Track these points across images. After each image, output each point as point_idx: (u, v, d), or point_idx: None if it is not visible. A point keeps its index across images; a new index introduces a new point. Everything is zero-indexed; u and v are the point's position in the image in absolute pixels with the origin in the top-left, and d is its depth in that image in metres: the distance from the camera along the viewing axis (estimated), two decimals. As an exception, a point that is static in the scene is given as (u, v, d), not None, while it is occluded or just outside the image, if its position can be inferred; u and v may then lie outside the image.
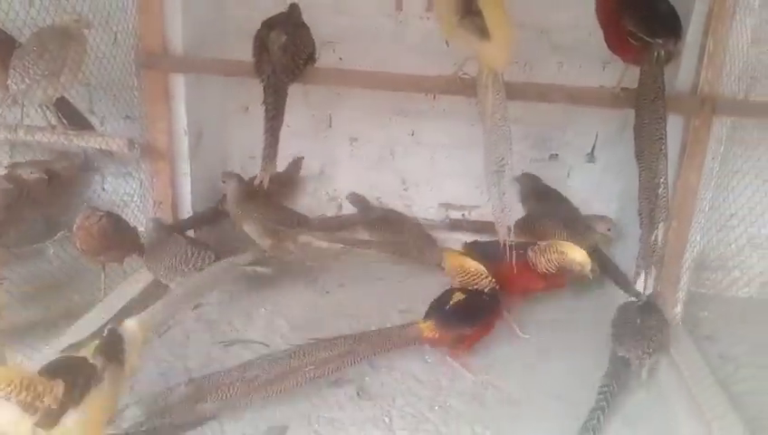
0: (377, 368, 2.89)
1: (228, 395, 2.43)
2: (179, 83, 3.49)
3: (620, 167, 3.71)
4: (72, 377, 1.96)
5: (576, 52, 3.63)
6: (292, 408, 2.60)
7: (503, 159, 2.90)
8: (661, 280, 3.22)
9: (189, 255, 3.14)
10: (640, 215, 2.86)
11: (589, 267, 2.95)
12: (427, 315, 2.85)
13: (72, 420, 1.92)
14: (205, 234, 3.75)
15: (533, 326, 3.26)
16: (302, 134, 3.99)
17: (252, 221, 3.53)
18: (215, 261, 3.15)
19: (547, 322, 3.33)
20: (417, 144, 4.05)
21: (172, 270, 3.14)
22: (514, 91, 3.01)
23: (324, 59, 3.44)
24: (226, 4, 3.83)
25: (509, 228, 2.97)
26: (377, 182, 4.14)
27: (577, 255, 2.95)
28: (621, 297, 3.26)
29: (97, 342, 2.16)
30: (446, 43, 3.41)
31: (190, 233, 3.63)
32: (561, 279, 3.07)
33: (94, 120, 3.70)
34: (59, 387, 1.89)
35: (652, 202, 2.80)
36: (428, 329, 2.79)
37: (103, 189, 4.05)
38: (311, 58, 3.19)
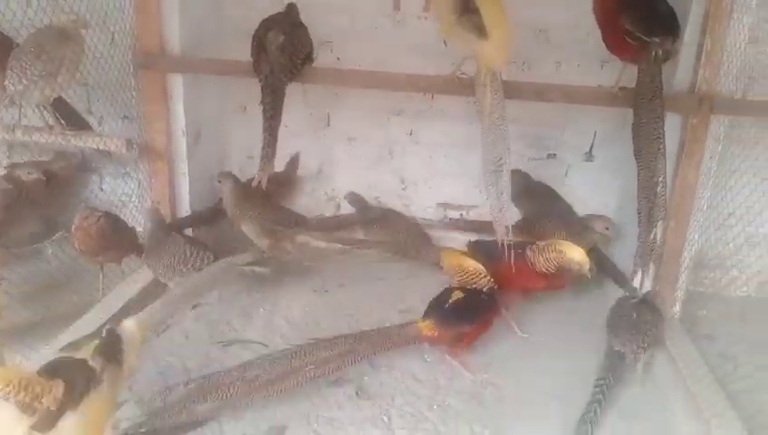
0: (376, 367, 2.89)
1: (228, 395, 2.43)
2: (177, 83, 3.49)
3: (619, 166, 3.71)
4: (72, 378, 1.94)
5: (574, 51, 3.63)
6: (292, 407, 2.60)
7: (501, 158, 2.90)
8: (660, 279, 3.24)
9: (188, 254, 3.14)
10: (639, 213, 2.87)
11: (587, 267, 2.95)
12: (426, 314, 2.86)
13: (70, 422, 1.91)
14: (203, 234, 3.74)
15: (533, 325, 3.26)
16: (301, 134, 3.98)
17: (249, 221, 3.53)
18: (213, 261, 3.15)
19: (546, 321, 3.33)
20: (416, 144, 4.05)
21: (170, 269, 3.14)
22: (512, 91, 3.02)
23: (322, 59, 3.44)
24: (224, 4, 3.83)
25: (507, 228, 2.98)
26: (375, 182, 4.14)
27: (575, 254, 2.95)
28: (620, 296, 3.26)
29: (96, 342, 2.15)
30: (444, 42, 3.41)
31: (188, 232, 3.62)
32: (562, 280, 3.08)
33: (92, 121, 3.69)
34: (58, 387, 1.87)
35: (651, 201, 2.80)
36: (428, 328, 2.80)
37: (101, 190, 4.05)
38: (308, 58, 3.19)
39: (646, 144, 2.82)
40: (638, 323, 2.87)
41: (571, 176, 3.98)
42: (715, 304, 3.53)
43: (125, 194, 3.91)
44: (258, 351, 2.92)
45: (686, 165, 3.08)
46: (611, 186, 3.87)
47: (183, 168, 3.66)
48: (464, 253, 3.19)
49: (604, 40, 2.99)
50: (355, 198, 4.00)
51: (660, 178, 2.79)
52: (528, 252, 3.02)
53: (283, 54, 3.03)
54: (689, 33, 3.04)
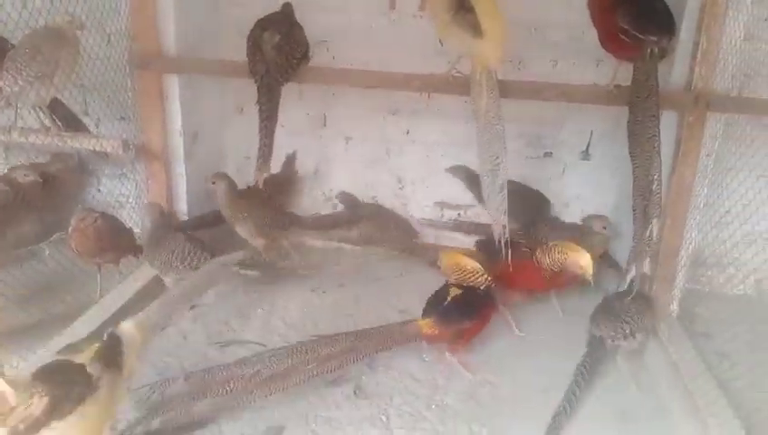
0: (374, 367, 2.89)
1: (228, 391, 2.43)
2: (174, 84, 3.49)
3: (615, 164, 3.71)
4: (64, 387, 1.89)
5: (570, 49, 3.62)
6: (290, 407, 2.60)
7: (497, 157, 2.90)
8: (657, 277, 3.23)
9: (186, 252, 3.15)
10: (634, 211, 2.87)
11: (590, 272, 2.96)
12: (426, 312, 2.87)
13: (68, 425, 1.89)
14: (203, 235, 3.74)
15: (530, 324, 3.26)
16: (297, 133, 3.98)
17: (243, 222, 3.53)
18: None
19: (543, 320, 3.33)
20: (412, 143, 4.04)
21: (167, 265, 3.15)
22: (508, 89, 3.02)
23: (318, 58, 3.44)
24: (220, 4, 3.82)
25: (504, 227, 2.98)
26: (372, 181, 4.14)
27: (580, 258, 2.98)
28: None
29: (96, 346, 2.12)
30: (440, 41, 3.41)
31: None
32: (562, 280, 3.11)
33: (89, 122, 3.68)
34: (40, 402, 1.80)
35: (646, 199, 2.80)
36: (427, 326, 2.81)
37: (99, 191, 4.03)
38: (304, 57, 3.19)
39: (641, 142, 2.83)
40: (618, 311, 2.92)
41: (567, 174, 3.97)
42: (713, 302, 3.53)
43: (122, 195, 3.90)
44: (256, 351, 2.91)
45: (683, 163, 3.08)
46: (608, 184, 3.87)
47: (180, 168, 3.66)
48: (464, 252, 3.19)
49: (599, 38, 2.99)
50: (345, 197, 4.04)
51: (656, 176, 2.79)
52: (537, 252, 3.08)
53: (279, 54, 3.03)
54: (685, 30, 3.04)
